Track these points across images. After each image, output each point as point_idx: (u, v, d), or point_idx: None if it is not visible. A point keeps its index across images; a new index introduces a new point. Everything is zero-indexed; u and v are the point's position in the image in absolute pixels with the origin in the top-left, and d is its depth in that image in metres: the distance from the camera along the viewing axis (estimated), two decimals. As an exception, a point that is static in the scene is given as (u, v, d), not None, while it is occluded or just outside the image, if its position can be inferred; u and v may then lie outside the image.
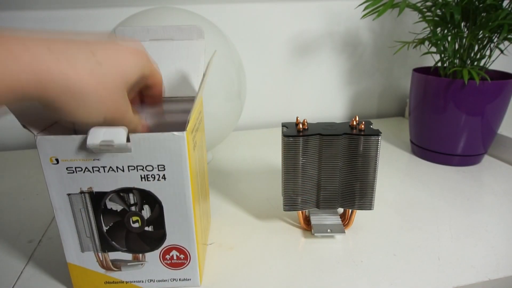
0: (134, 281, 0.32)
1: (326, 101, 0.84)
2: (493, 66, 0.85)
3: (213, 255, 0.38)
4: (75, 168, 0.28)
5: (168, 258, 0.32)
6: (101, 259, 0.32)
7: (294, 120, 0.82)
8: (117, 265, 0.32)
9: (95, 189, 0.29)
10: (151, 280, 0.33)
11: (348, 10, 0.77)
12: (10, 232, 0.43)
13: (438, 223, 0.43)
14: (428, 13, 0.57)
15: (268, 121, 0.83)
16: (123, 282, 0.33)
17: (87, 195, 0.29)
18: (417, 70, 0.63)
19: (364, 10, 0.54)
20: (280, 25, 0.75)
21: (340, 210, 0.45)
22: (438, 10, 0.55)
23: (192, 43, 0.38)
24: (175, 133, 0.27)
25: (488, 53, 0.56)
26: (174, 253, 0.31)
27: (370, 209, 0.39)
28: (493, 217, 0.45)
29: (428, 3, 0.57)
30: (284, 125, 0.40)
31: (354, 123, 0.39)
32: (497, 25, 0.50)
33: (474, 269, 0.36)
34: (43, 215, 0.46)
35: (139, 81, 0.29)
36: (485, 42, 0.55)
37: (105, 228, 0.30)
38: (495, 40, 0.54)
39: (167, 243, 0.31)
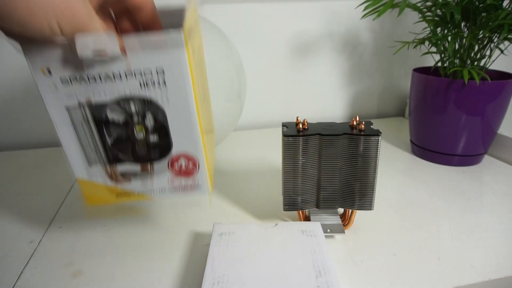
0: (145, 191, 0.32)
1: (326, 101, 0.84)
2: (493, 66, 0.85)
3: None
4: (69, 78, 0.27)
5: (176, 167, 0.31)
6: (110, 172, 0.31)
7: (294, 120, 0.82)
8: (127, 176, 0.31)
9: (94, 100, 0.28)
10: (162, 190, 0.32)
11: (348, 10, 0.77)
12: (10, 232, 0.43)
13: (438, 223, 0.43)
14: (428, 13, 0.57)
15: (268, 121, 0.83)
16: (134, 193, 0.32)
17: (86, 107, 0.28)
18: (417, 70, 0.63)
19: (364, 10, 0.54)
20: (280, 25, 0.75)
21: (340, 210, 0.45)
22: (438, 10, 0.55)
23: None
24: (172, 34, 0.26)
25: (488, 53, 0.56)
26: (183, 161, 0.31)
27: (370, 209, 0.39)
28: (493, 217, 0.45)
29: (428, 3, 0.57)
30: (284, 125, 0.40)
31: (354, 123, 0.39)
32: (497, 25, 0.50)
33: (474, 269, 0.36)
34: (43, 215, 0.46)
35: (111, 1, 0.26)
36: (485, 42, 0.55)
37: (109, 141, 0.30)
38: (495, 40, 0.55)
39: (174, 151, 0.30)
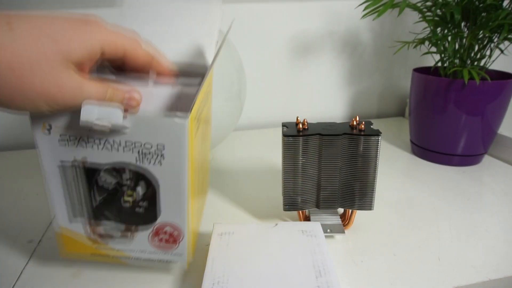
0: (120, 257, 0.32)
1: (326, 101, 0.84)
2: (493, 66, 0.84)
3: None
4: (69, 137, 0.27)
5: (158, 237, 0.31)
6: (89, 230, 0.31)
7: (294, 120, 0.82)
8: (105, 237, 0.31)
9: (89, 160, 0.28)
10: (137, 258, 0.32)
11: (348, 10, 0.77)
12: (10, 232, 0.43)
13: (438, 223, 0.43)
14: (428, 13, 0.57)
15: (268, 121, 0.83)
16: (109, 256, 0.32)
17: (80, 165, 0.28)
18: (417, 70, 0.63)
19: (364, 10, 0.54)
20: (280, 25, 0.75)
21: (340, 210, 0.45)
22: (438, 10, 0.55)
23: (208, 6, 0.36)
24: (177, 119, 0.26)
25: (488, 53, 0.56)
26: (166, 231, 0.31)
27: (370, 209, 0.39)
28: (493, 217, 0.45)
29: (428, 3, 0.57)
30: (284, 125, 0.40)
31: (354, 123, 0.39)
32: (497, 25, 0.50)
33: (474, 269, 0.36)
34: (43, 215, 0.46)
35: (94, 57, 0.26)
36: (485, 42, 0.55)
37: (97, 199, 0.30)
38: (495, 40, 0.54)
39: (160, 220, 0.30)
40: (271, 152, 0.66)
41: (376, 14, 0.52)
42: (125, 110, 0.27)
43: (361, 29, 0.79)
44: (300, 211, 0.42)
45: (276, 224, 0.37)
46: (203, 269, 0.33)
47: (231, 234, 0.35)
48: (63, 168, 0.28)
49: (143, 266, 0.34)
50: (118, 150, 0.27)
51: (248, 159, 0.63)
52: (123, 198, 0.29)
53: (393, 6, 0.52)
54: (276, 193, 0.51)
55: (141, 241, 0.31)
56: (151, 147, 0.27)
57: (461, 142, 0.56)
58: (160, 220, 0.30)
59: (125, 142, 0.27)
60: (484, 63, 0.57)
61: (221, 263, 0.31)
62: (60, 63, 0.24)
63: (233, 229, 0.36)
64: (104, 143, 0.27)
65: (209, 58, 0.35)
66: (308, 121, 0.40)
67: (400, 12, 0.50)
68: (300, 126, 0.38)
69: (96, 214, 0.30)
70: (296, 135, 0.37)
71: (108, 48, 0.26)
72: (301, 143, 0.37)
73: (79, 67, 0.26)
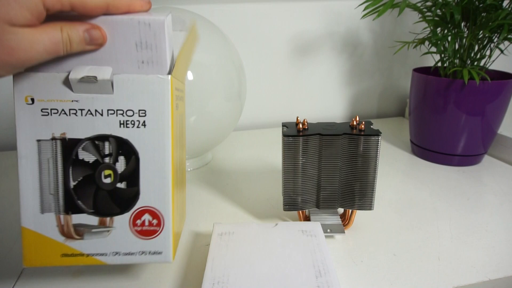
0: (96, 254, 0.29)
1: (326, 101, 0.84)
2: (493, 66, 0.85)
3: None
4: (51, 109, 0.27)
5: (139, 224, 0.28)
6: (62, 223, 0.28)
7: (294, 120, 0.82)
8: (79, 232, 0.28)
9: (69, 136, 0.27)
10: (116, 253, 0.29)
11: (348, 10, 0.77)
12: (10, 232, 0.43)
13: (438, 223, 0.43)
14: (428, 13, 0.57)
15: (268, 121, 0.83)
16: (83, 254, 0.28)
17: (58, 142, 0.27)
18: (417, 70, 0.63)
19: (364, 10, 0.54)
20: (280, 25, 0.75)
21: (340, 210, 0.45)
22: (438, 10, 0.55)
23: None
24: (160, 75, 0.27)
25: (488, 53, 0.56)
26: (147, 217, 0.28)
27: (370, 209, 0.39)
28: (493, 217, 0.45)
29: (428, 3, 0.57)
30: (284, 125, 0.40)
31: (354, 123, 0.39)
32: (497, 25, 0.50)
33: (474, 269, 0.36)
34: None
35: (39, 16, 0.25)
36: (485, 42, 0.55)
37: (72, 184, 0.28)
38: (495, 40, 0.55)
39: (139, 204, 0.28)
40: (271, 152, 0.66)
41: (376, 14, 0.52)
42: (92, 48, 0.26)
43: (361, 29, 0.79)
44: (300, 211, 0.42)
45: (276, 224, 0.37)
46: (203, 269, 0.33)
47: (231, 234, 0.35)
48: (40, 146, 0.27)
49: (123, 263, 0.30)
50: (101, 115, 0.27)
51: (248, 159, 0.63)
52: (103, 174, 0.28)
53: (393, 6, 0.52)
54: (276, 193, 0.51)
55: (119, 232, 0.29)
56: (133, 114, 0.27)
57: (461, 142, 0.56)
58: (140, 203, 0.28)
59: (107, 110, 0.27)
60: (484, 63, 0.57)
61: (221, 263, 0.31)
62: (3, 29, 0.24)
63: (233, 229, 0.36)
64: (87, 113, 0.27)
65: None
66: (308, 121, 0.40)
67: (400, 12, 0.50)
68: (300, 126, 0.38)
69: (71, 204, 0.28)
70: (296, 135, 0.37)
71: (51, 4, 0.25)
72: (301, 143, 0.37)
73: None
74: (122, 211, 0.28)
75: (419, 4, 0.57)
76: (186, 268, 0.36)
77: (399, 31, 0.82)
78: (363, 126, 0.38)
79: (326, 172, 0.39)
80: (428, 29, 0.58)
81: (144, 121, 0.27)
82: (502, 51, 0.56)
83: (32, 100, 0.27)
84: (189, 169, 0.59)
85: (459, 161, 0.58)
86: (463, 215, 0.45)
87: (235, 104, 0.54)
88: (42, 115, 0.27)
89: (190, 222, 0.44)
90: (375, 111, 0.88)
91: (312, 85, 0.82)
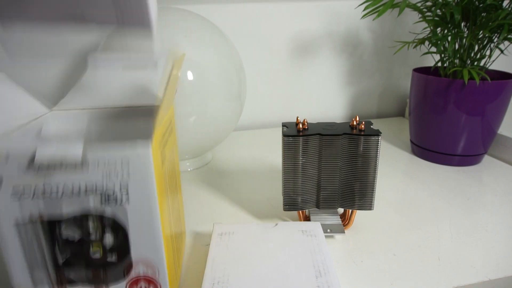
0: None
1: (326, 101, 0.84)
2: (493, 66, 0.85)
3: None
4: (21, 194, 0.24)
5: None
6: None
7: (294, 120, 0.82)
8: None
9: (47, 217, 0.25)
10: None
11: (348, 10, 0.77)
12: None
13: (438, 223, 0.43)
14: (428, 13, 0.57)
15: (268, 121, 0.83)
16: None
17: (38, 224, 0.25)
18: (417, 70, 0.63)
19: (364, 10, 0.54)
20: (280, 25, 0.75)
21: (340, 210, 0.45)
22: (438, 10, 0.55)
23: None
24: (138, 150, 0.24)
25: (488, 53, 0.56)
26: (142, 284, 0.28)
27: (370, 209, 0.39)
28: (493, 217, 0.45)
29: (428, 3, 0.57)
30: (284, 125, 0.40)
31: (354, 123, 0.39)
32: (497, 25, 0.50)
33: (474, 269, 0.36)
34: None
35: None
36: (485, 42, 0.55)
37: (61, 261, 0.27)
38: (495, 40, 0.55)
39: (133, 274, 0.27)
40: (271, 152, 0.66)
41: (376, 14, 0.52)
42: None
43: (361, 29, 0.79)
44: (300, 211, 0.42)
45: (276, 224, 0.37)
46: (203, 269, 0.33)
47: (231, 234, 0.35)
48: (19, 230, 0.25)
49: None
50: (79, 195, 0.25)
51: (248, 159, 0.63)
52: (91, 249, 0.27)
53: (393, 6, 0.52)
54: (276, 193, 0.51)
55: None
56: (113, 192, 0.25)
57: (461, 142, 0.56)
58: (134, 273, 0.27)
59: (85, 190, 0.25)
60: (484, 63, 0.57)
61: (221, 263, 0.31)
62: None
63: (233, 229, 0.36)
64: (62, 194, 0.25)
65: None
66: (308, 121, 0.40)
67: (400, 12, 0.50)
68: (300, 126, 0.38)
69: (63, 277, 0.27)
70: (296, 135, 0.37)
71: None
72: (301, 143, 0.37)
73: None
74: (116, 281, 0.27)
75: (419, 4, 0.57)
76: (186, 268, 0.36)
77: (399, 31, 0.82)
78: (363, 126, 0.38)
79: (326, 172, 0.39)
80: (428, 29, 0.58)
81: (127, 198, 0.25)
82: (502, 51, 0.56)
83: (0, 181, 0.24)
84: (189, 169, 0.59)
85: (459, 161, 0.58)
86: (463, 215, 0.45)
87: (235, 104, 0.54)
88: (13, 200, 0.25)
89: (190, 222, 0.44)
90: (375, 111, 0.88)
91: (312, 85, 0.82)
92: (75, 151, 0.23)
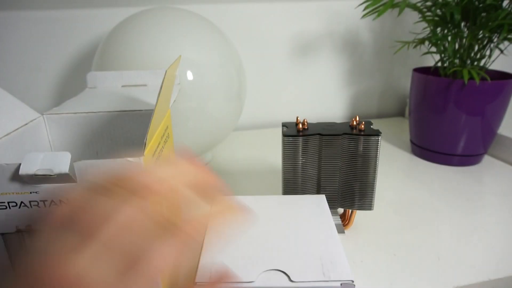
0: None
1: (326, 101, 0.84)
2: (493, 66, 0.84)
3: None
4: (8, 203, 0.24)
5: None
6: None
7: (294, 120, 0.82)
8: None
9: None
10: None
11: (348, 10, 0.77)
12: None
13: (438, 223, 0.43)
14: (428, 13, 0.57)
15: (268, 121, 0.83)
16: None
17: (25, 234, 0.25)
18: (417, 70, 0.63)
19: (364, 10, 0.54)
20: (280, 25, 0.75)
21: (340, 210, 0.45)
22: (438, 10, 0.55)
23: None
24: (130, 159, 0.23)
25: (488, 53, 0.56)
26: None
27: (370, 209, 0.39)
28: (493, 217, 0.44)
29: (428, 3, 0.57)
30: (284, 125, 0.40)
31: (354, 123, 0.39)
32: (497, 25, 0.50)
33: (474, 269, 0.36)
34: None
35: None
36: (485, 42, 0.55)
37: None
38: (495, 40, 0.54)
39: None
40: (271, 152, 0.66)
41: (376, 14, 0.52)
42: None
43: (361, 29, 0.79)
44: (300, 211, 0.42)
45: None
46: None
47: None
48: (6, 240, 0.25)
49: None
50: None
51: (248, 159, 0.63)
52: None
53: (393, 6, 0.52)
54: (276, 193, 0.51)
55: None
56: None
57: (461, 142, 0.56)
58: None
59: None
60: (484, 63, 0.57)
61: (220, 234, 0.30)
62: None
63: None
64: (50, 203, 0.24)
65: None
66: (308, 121, 0.40)
67: (400, 12, 0.50)
68: (300, 126, 0.38)
69: None
70: (296, 135, 0.37)
71: None
72: (301, 143, 0.37)
73: None
74: None
75: (419, 4, 0.57)
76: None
77: (399, 31, 0.81)
78: (363, 126, 0.38)
79: (326, 172, 0.39)
80: (428, 29, 0.58)
81: None
82: (502, 51, 0.56)
83: None
84: (189, 169, 0.59)
85: (459, 161, 0.58)
86: (463, 215, 0.45)
87: (235, 104, 0.54)
88: (0, 208, 0.24)
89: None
90: (375, 111, 0.88)
91: (312, 85, 0.82)
92: (62, 161, 0.22)
